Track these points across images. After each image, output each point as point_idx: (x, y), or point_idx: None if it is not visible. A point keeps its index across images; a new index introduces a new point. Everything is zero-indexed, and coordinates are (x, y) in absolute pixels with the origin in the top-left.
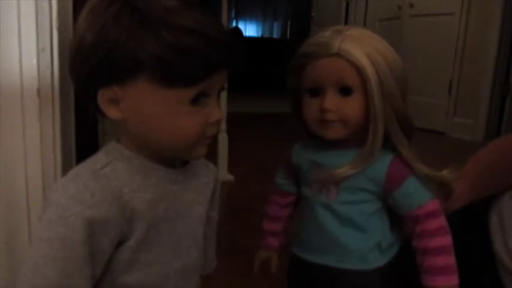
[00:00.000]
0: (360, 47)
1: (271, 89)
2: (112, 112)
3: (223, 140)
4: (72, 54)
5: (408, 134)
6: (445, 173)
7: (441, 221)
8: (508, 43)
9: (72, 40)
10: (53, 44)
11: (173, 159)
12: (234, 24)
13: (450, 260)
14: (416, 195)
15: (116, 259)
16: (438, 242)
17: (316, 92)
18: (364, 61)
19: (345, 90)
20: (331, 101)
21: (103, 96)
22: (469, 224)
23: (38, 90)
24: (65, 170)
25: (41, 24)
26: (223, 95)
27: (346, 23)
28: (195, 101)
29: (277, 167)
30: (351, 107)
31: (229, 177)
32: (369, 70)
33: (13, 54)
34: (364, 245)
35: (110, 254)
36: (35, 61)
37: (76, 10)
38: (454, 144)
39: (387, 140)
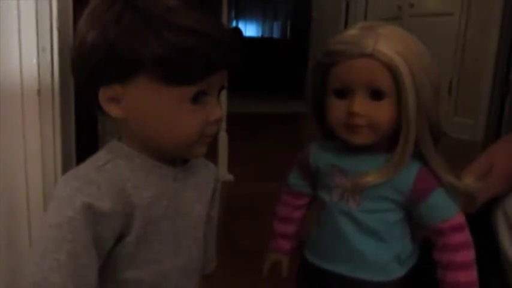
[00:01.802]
0: (395, 48)
1: (271, 88)
2: (113, 110)
3: (223, 139)
4: (74, 54)
5: (436, 140)
6: (470, 183)
7: (466, 235)
8: (508, 43)
9: (74, 40)
10: (53, 44)
11: (174, 158)
12: (234, 24)
13: (473, 275)
14: (442, 208)
15: (117, 254)
16: (462, 257)
17: (343, 93)
18: (400, 64)
19: (377, 94)
20: (361, 104)
21: (104, 95)
22: (473, 225)
23: (38, 90)
24: (65, 170)
25: (41, 24)
26: (223, 94)
27: (346, 23)
28: (195, 99)
29: (276, 167)
30: (382, 112)
31: (229, 177)
32: (405, 73)
33: (13, 54)
34: (384, 255)
35: (111, 248)
36: (35, 61)
37: (76, 10)
38: (454, 144)
39: (415, 146)
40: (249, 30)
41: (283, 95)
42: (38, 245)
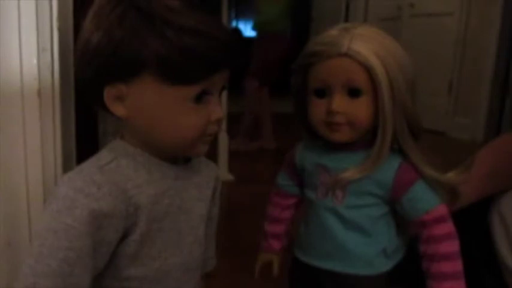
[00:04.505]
0: (370, 46)
1: (271, 88)
2: (117, 109)
3: (223, 139)
4: (79, 55)
5: (416, 135)
6: (452, 176)
7: (450, 226)
8: (508, 43)
9: (78, 41)
10: (54, 44)
11: (175, 156)
12: (234, 24)
13: (458, 265)
14: (424, 200)
15: (119, 253)
16: (446, 248)
17: (323, 92)
18: (374, 62)
19: (354, 92)
20: (339, 103)
21: (109, 94)
22: (468, 224)
23: (39, 90)
24: (66, 170)
25: (42, 25)
26: (224, 94)
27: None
28: (198, 99)
29: (277, 167)
30: (360, 109)
31: (229, 177)
32: (379, 71)
33: (13, 54)
34: (370, 250)
35: (115, 247)
36: (35, 61)
37: (76, 10)
38: (454, 144)
39: (395, 142)
40: (249, 30)
41: (282, 95)
42: (33, 247)
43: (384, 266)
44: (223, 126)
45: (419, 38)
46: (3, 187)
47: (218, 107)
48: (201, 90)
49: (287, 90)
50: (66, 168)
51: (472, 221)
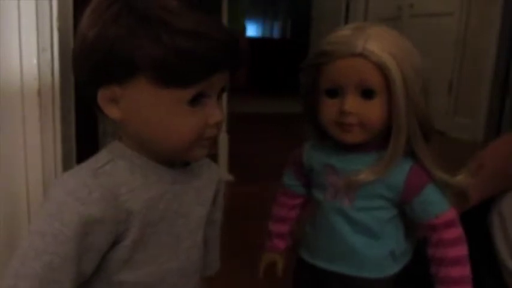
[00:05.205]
0: (385, 47)
1: (272, 88)
2: (111, 111)
3: (223, 140)
4: (75, 52)
5: (428, 137)
6: (461, 178)
7: (459, 231)
8: (508, 43)
9: (75, 38)
10: (54, 44)
11: (173, 160)
12: None
13: (466, 270)
14: (434, 204)
15: (112, 257)
16: (456, 252)
17: (335, 93)
18: (389, 63)
19: (368, 93)
20: (352, 103)
21: (103, 96)
22: (469, 225)
23: (39, 90)
24: (66, 170)
25: (42, 25)
26: (224, 95)
27: (346, 23)
28: (193, 101)
29: (277, 168)
30: (372, 111)
31: (229, 177)
32: (395, 72)
33: (13, 54)
34: (378, 252)
35: (106, 252)
36: (35, 61)
37: (76, 10)
38: (454, 144)
39: (406, 144)
40: (249, 30)
41: (283, 95)
42: (22, 248)
43: (391, 268)
44: (224, 126)
45: (419, 38)
46: (3, 187)
47: (217, 110)
48: (197, 92)
49: (286, 90)
50: (66, 168)
51: (472, 223)
